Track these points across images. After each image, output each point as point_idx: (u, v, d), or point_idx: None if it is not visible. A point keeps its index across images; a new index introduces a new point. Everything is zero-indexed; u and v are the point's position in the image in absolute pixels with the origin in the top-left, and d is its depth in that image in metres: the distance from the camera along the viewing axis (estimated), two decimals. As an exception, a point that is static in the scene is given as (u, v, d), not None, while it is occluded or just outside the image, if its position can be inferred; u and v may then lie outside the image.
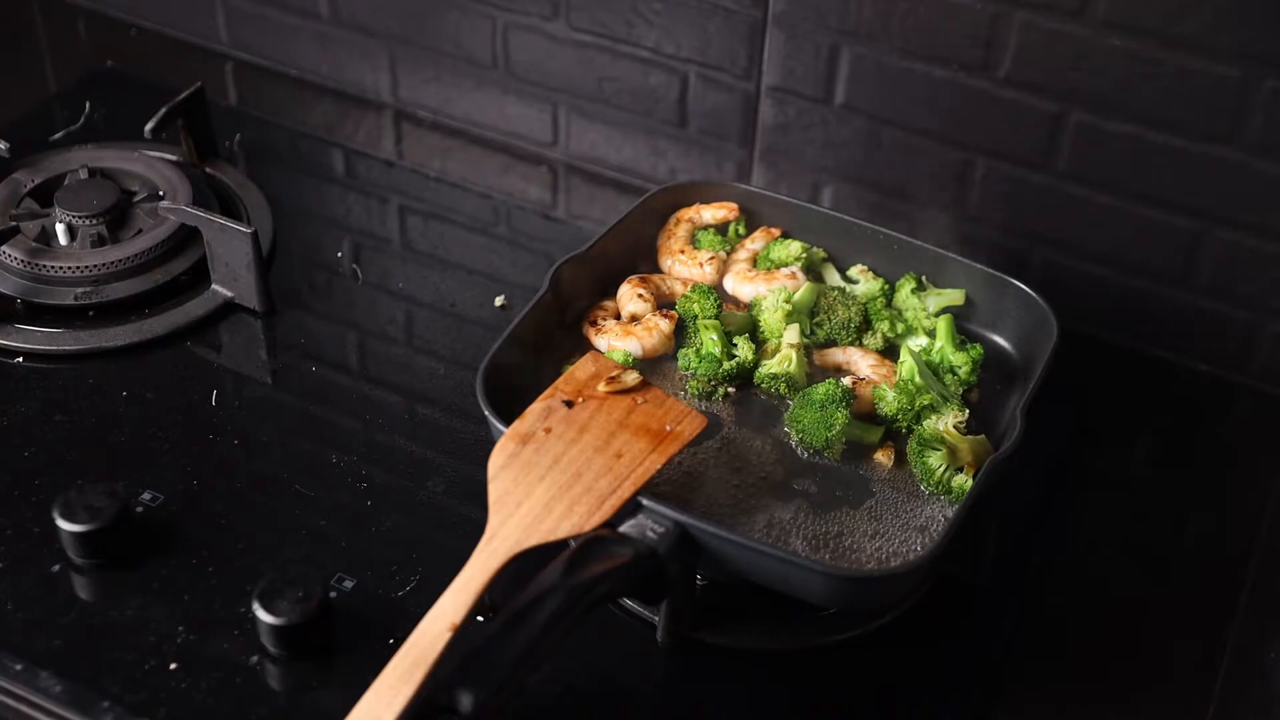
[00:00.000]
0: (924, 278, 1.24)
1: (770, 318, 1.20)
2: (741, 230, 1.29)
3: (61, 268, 1.28)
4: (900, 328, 1.21)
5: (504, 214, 1.44)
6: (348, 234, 1.40)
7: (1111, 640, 1.09)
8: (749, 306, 1.23)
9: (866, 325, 1.22)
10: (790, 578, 1.00)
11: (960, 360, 1.17)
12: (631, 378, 1.09)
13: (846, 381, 1.16)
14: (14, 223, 1.31)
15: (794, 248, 1.25)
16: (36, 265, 1.27)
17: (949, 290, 1.23)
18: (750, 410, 1.17)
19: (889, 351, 1.20)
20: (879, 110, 1.30)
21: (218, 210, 1.32)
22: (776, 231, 1.28)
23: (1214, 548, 1.16)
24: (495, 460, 1.02)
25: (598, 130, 1.44)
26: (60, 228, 1.31)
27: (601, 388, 1.08)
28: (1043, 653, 1.08)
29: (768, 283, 1.23)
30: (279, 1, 1.52)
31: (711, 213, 1.29)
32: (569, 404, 1.06)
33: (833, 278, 1.26)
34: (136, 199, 1.35)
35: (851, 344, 1.21)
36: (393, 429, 1.22)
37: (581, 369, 1.10)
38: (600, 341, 1.20)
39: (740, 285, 1.25)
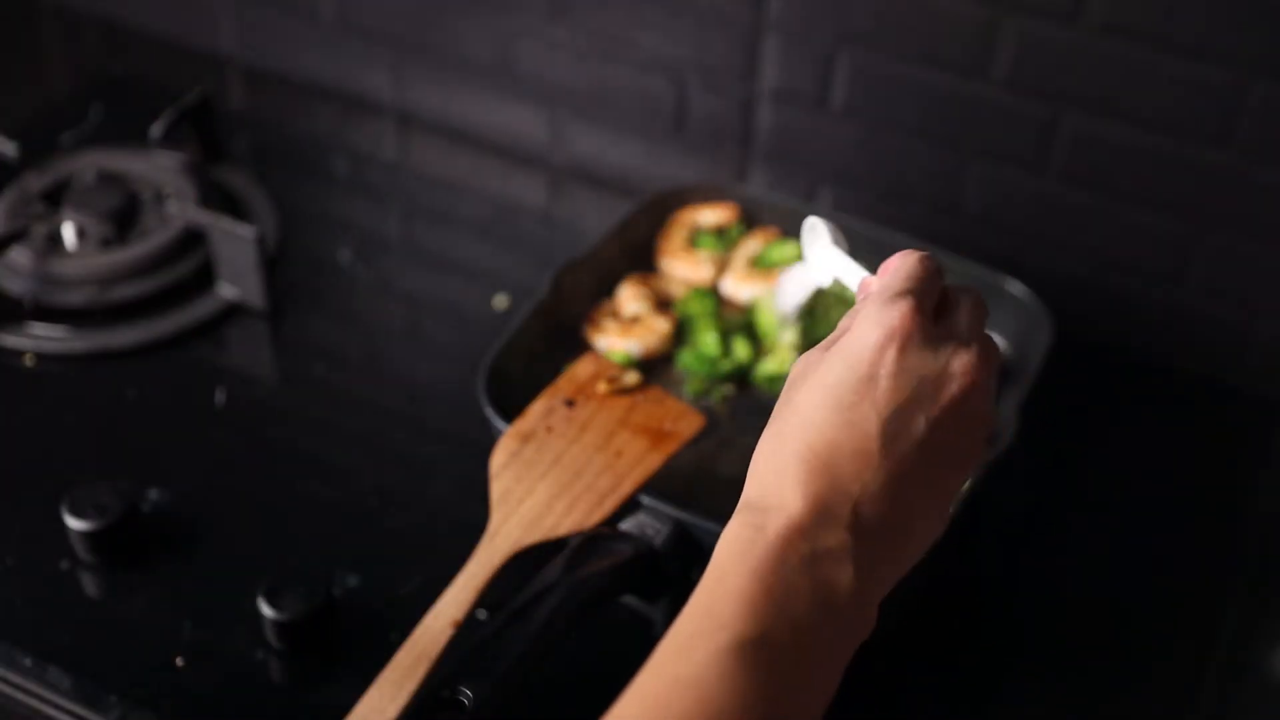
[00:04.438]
0: (920, 279, 1.25)
1: (768, 318, 1.21)
2: (740, 232, 1.31)
3: (70, 269, 1.29)
4: (897, 328, 1.22)
5: (505, 216, 1.44)
6: (352, 236, 1.41)
7: (1107, 639, 1.10)
8: (747, 307, 1.25)
9: (863, 326, 1.23)
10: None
11: (955, 360, 1.18)
12: (631, 378, 1.10)
13: (843, 381, 1.17)
14: (24, 224, 1.32)
15: (791, 249, 1.26)
16: (45, 267, 1.29)
17: (945, 291, 1.24)
18: (748, 410, 1.18)
19: (885, 352, 1.21)
20: (876, 113, 1.31)
21: (224, 212, 1.33)
22: (774, 233, 1.30)
23: (1208, 548, 1.17)
24: (497, 459, 1.03)
25: (597, 133, 1.45)
26: (69, 230, 1.33)
27: (601, 387, 1.09)
28: (1038, 651, 1.09)
29: (765, 283, 1.24)
30: (284, 7, 1.54)
31: (710, 214, 1.31)
32: (570, 403, 1.07)
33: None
34: (144, 201, 1.36)
35: (848, 344, 1.22)
36: (396, 428, 1.23)
37: (582, 369, 1.11)
38: (600, 341, 1.21)
39: (739, 286, 1.26)
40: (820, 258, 0.90)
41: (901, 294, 0.71)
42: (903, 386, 0.68)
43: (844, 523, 0.67)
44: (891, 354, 0.69)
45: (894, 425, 0.68)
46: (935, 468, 0.69)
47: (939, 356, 0.70)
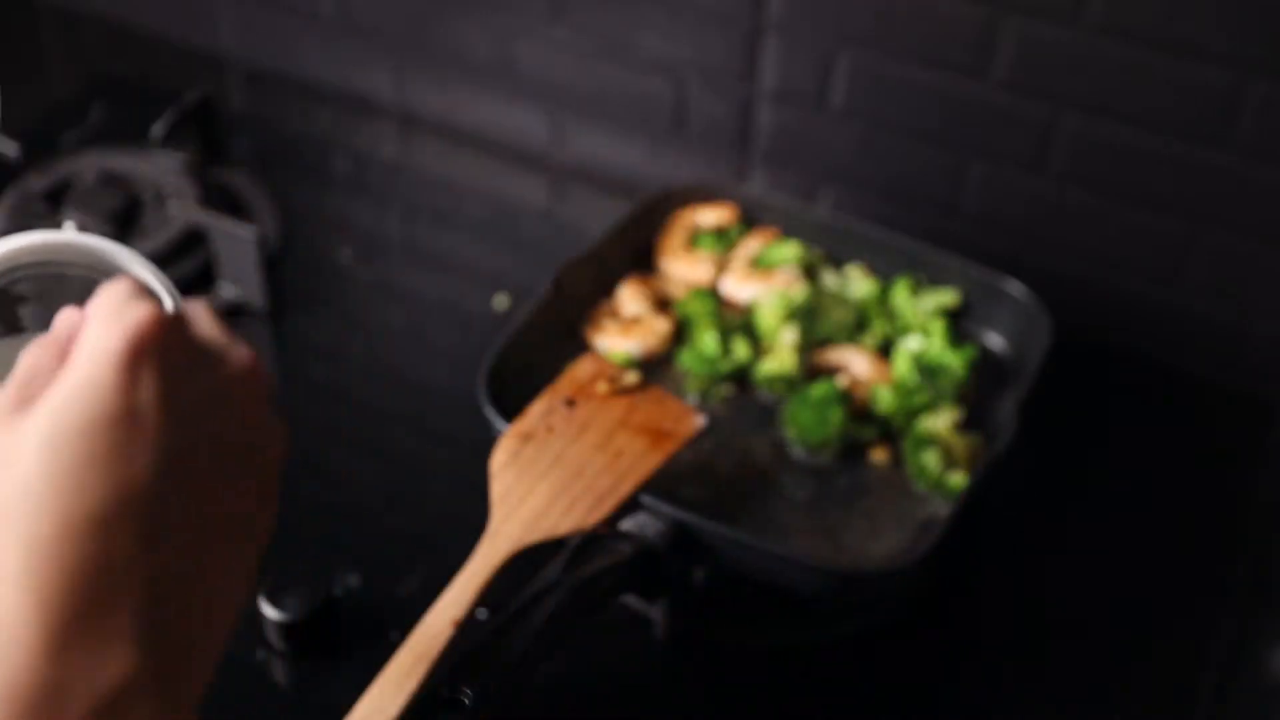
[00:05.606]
0: (920, 278, 1.26)
1: (768, 318, 1.21)
2: (740, 232, 1.31)
3: (70, 270, 1.30)
4: (897, 325, 1.23)
5: (506, 216, 1.45)
6: (352, 236, 1.41)
7: (1107, 640, 1.10)
8: (747, 307, 1.25)
9: (862, 325, 1.23)
10: (787, 574, 1.01)
11: (955, 360, 1.18)
12: (631, 378, 1.11)
13: (843, 381, 1.17)
14: (25, 225, 1.32)
15: (791, 249, 1.26)
16: (46, 267, 1.29)
17: (944, 290, 1.25)
18: (748, 410, 1.18)
19: (885, 351, 1.22)
20: (875, 114, 1.31)
21: (224, 212, 1.33)
22: (774, 233, 1.30)
23: (1208, 548, 1.17)
24: (497, 458, 1.03)
25: (598, 134, 1.46)
26: (70, 230, 1.33)
27: (601, 387, 1.09)
28: (1037, 651, 1.09)
29: (765, 284, 1.24)
30: (284, 7, 1.54)
31: (710, 215, 1.31)
32: (570, 403, 1.07)
33: (829, 279, 1.27)
34: (145, 201, 1.36)
35: (848, 344, 1.22)
36: (396, 428, 1.23)
37: (582, 369, 1.11)
38: (600, 341, 1.21)
39: (738, 286, 1.26)
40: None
41: None
42: None
43: None
44: None
45: None
46: None
47: None
